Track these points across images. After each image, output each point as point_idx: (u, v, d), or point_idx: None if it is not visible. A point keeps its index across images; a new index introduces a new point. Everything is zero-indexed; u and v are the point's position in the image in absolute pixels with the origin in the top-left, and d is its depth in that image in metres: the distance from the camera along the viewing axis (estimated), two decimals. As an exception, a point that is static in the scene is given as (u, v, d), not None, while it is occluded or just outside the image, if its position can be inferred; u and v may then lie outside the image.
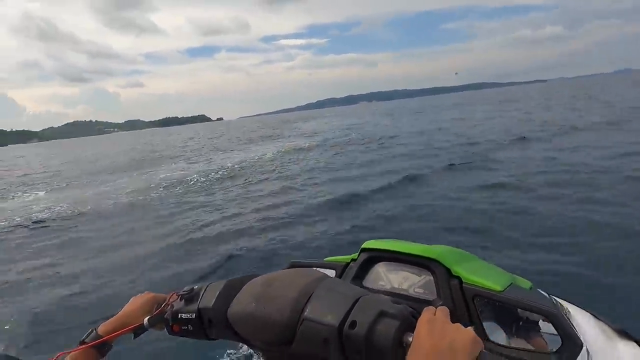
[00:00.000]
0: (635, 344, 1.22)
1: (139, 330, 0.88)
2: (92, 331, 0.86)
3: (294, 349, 0.69)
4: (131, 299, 0.95)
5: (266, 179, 12.19)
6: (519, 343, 0.98)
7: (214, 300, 0.82)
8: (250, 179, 12.45)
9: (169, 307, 0.88)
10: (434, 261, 1.06)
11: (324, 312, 0.67)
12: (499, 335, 1.00)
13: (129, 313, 0.90)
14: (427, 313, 0.63)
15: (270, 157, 17.79)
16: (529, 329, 0.99)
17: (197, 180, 13.34)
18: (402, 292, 1.10)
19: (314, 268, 1.23)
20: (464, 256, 1.16)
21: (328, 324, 0.65)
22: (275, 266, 4.84)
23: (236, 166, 16.16)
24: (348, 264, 1.23)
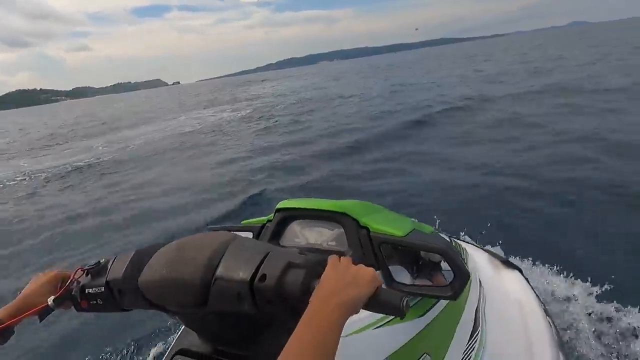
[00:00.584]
0: (517, 271, 1.72)
1: (44, 312, 0.86)
2: None
3: (209, 308, 0.72)
4: (32, 279, 0.92)
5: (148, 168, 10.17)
6: (422, 282, 1.10)
7: (123, 270, 0.82)
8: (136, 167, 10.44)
9: (75, 283, 0.87)
10: (343, 214, 1.11)
11: (236, 269, 0.71)
12: (404, 277, 1.09)
13: (32, 294, 0.87)
14: (332, 259, 0.72)
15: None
16: (431, 269, 1.13)
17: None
18: (316, 247, 1.15)
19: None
20: (372, 208, 1.21)
21: (240, 279, 0.69)
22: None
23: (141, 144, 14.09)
24: (264, 225, 1.25)
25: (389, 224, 1.09)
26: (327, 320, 0.61)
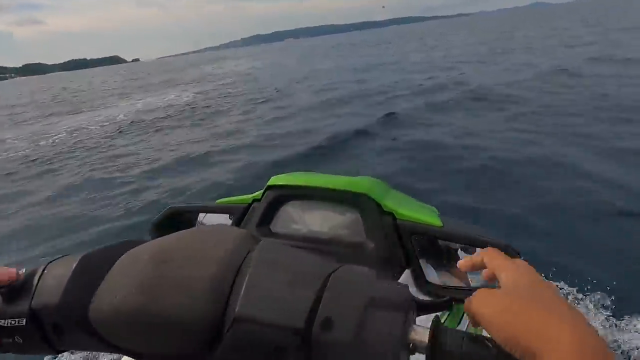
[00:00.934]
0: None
1: None
2: None
3: (217, 358, 0.42)
4: None
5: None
6: (445, 277, 0.90)
7: (61, 291, 0.47)
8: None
9: None
10: (362, 195, 0.87)
11: (272, 305, 0.40)
12: (431, 274, 0.88)
13: None
14: (481, 295, 0.39)
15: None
16: (449, 260, 0.91)
17: None
18: (323, 236, 0.91)
19: (202, 214, 1.01)
20: (388, 189, 0.96)
21: (282, 324, 0.39)
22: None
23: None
24: (250, 205, 0.98)
25: (417, 210, 0.87)
26: None
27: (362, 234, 0.88)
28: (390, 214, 0.86)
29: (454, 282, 0.91)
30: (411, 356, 0.42)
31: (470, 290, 0.79)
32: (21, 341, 0.49)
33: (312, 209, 0.95)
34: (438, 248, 0.91)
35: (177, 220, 1.01)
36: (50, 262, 0.52)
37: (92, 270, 0.48)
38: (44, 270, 0.50)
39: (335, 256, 0.54)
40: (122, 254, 0.49)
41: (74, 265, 0.48)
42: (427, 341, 0.39)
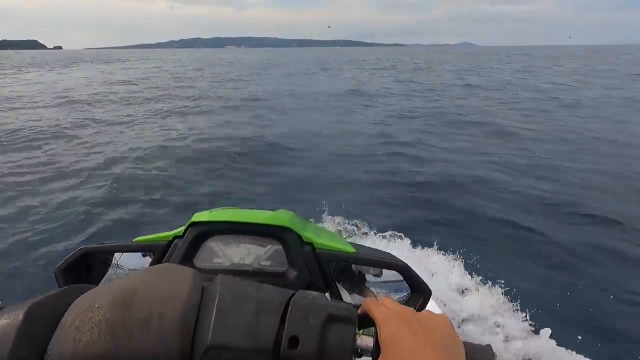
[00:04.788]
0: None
1: None
2: None
3: None
4: None
5: None
6: (356, 298, 0.96)
7: (9, 345, 0.45)
8: None
9: None
10: (284, 229, 0.91)
11: (241, 331, 0.48)
12: (345, 296, 0.95)
13: None
14: (374, 304, 0.53)
15: None
16: (358, 283, 0.98)
17: None
18: (245, 268, 0.92)
19: (117, 254, 0.96)
20: (304, 221, 1.02)
21: (252, 347, 0.47)
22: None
23: None
24: (171, 242, 0.95)
25: (332, 240, 0.93)
26: None
27: (284, 264, 0.91)
28: (310, 244, 0.90)
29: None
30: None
31: None
32: None
33: (233, 243, 0.94)
34: (351, 273, 0.96)
35: (88, 263, 0.92)
36: None
37: (43, 320, 0.47)
38: None
39: None
40: (71, 302, 0.50)
41: (21, 316, 0.47)
42: (372, 346, 0.48)
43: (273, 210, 0.96)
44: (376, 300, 0.54)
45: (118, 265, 0.96)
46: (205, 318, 0.47)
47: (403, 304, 0.70)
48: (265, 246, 0.92)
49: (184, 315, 0.46)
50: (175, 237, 0.93)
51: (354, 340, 0.49)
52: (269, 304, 0.50)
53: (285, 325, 0.48)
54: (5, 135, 9.14)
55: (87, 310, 0.47)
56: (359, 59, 56.24)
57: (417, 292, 0.86)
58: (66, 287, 0.54)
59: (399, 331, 0.46)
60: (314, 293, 0.55)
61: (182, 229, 0.93)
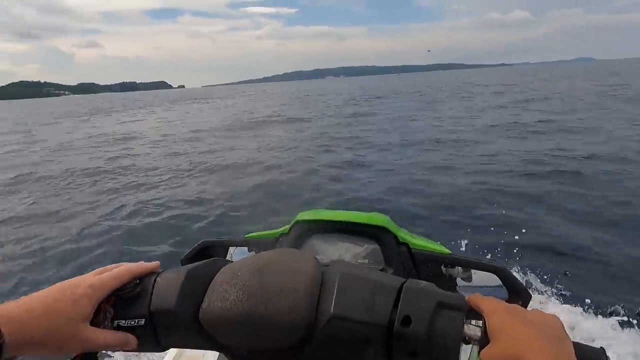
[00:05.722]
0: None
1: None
2: None
3: (308, 352, 0.56)
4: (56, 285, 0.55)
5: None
6: None
7: (174, 296, 0.57)
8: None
9: (103, 312, 0.59)
10: (381, 228, 0.97)
11: (361, 306, 0.53)
12: None
13: (52, 311, 0.54)
14: (484, 299, 0.53)
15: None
16: (451, 288, 0.99)
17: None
18: None
19: (232, 248, 1.09)
20: (396, 224, 1.06)
21: (371, 321, 0.52)
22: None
23: None
24: (277, 239, 1.05)
25: (425, 240, 0.97)
26: None
27: (381, 262, 0.94)
28: (405, 244, 0.94)
29: None
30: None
31: None
32: (136, 340, 0.57)
33: (333, 241, 0.99)
34: (441, 276, 0.97)
35: (207, 254, 1.02)
36: (159, 272, 0.62)
37: (198, 281, 0.58)
38: (155, 280, 0.59)
39: None
40: (216, 270, 0.60)
41: (183, 276, 0.58)
42: (480, 335, 0.49)
43: (372, 212, 1.00)
44: (481, 295, 0.53)
45: (231, 257, 1.06)
46: (328, 293, 0.54)
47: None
48: (363, 245, 0.96)
49: (311, 289, 0.54)
50: (282, 234, 1.01)
51: (463, 327, 0.50)
52: (385, 285, 0.54)
53: (399, 306, 0.51)
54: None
55: (232, 276, 0.57)
56: (471, 82, 50.72)
57: (516, 295, 0.83)
58: (211, 259, 0.64)
59: (510, 321, 0.46)
60: (424, 282, 0.56)
61: (287, 227, 1.00)
